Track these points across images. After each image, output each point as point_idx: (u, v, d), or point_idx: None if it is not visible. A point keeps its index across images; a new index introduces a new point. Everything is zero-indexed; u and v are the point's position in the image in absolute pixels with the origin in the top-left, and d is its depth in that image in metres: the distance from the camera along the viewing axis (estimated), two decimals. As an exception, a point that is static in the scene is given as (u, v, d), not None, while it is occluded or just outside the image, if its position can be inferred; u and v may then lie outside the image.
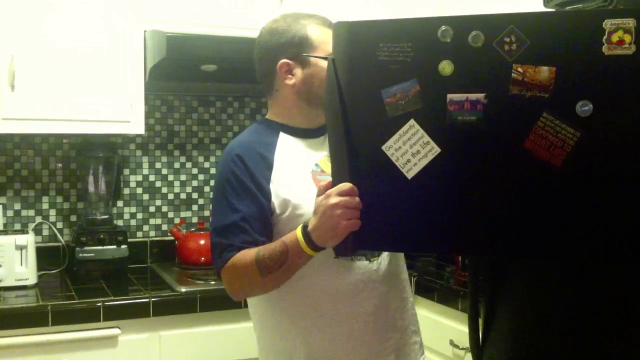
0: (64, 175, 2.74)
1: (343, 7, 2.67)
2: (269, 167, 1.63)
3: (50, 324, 2.11)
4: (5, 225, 2.64)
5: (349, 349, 1.65)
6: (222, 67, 2.48)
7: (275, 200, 1.60)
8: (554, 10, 1.82)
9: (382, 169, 1.51)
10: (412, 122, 1.52)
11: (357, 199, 1.43)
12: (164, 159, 2.89)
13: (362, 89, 1.55)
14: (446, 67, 1.49)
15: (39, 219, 2.70)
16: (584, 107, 1.42)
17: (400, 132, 1.52)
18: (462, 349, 2.28)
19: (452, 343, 2.34)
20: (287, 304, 1.65)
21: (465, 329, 1.96)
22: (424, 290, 2.54)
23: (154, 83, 2.55)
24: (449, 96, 1.48)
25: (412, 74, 1.51)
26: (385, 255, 1.73)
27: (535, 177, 1.47)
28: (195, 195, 2.94)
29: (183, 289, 2.35)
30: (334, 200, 1.41)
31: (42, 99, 2.35)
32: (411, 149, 1.51)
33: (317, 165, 1.70)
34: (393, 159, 1.52)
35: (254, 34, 2.50)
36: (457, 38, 1.48)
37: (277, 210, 1.60)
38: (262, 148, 1.65)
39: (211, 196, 2.90)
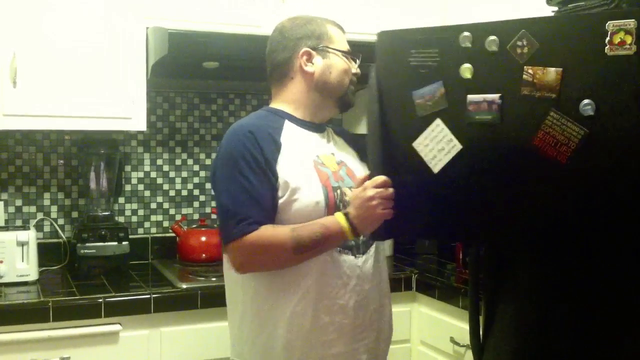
0: (66, 172, 2.75)
1: (344, 5, 2.67)
2: (278, 148, 1.69)
3: (51, 320, 2.11)
4: (6, 221, 2.65)
5: (326, 342, 1.69)
6: (223, 64, 2.48)
7: (280, 182, 1.66)
8: (556, 9, 1.85)
9: (412, 164, 1.63)
10: (438, 121, 1.63)
11: (391, 190, 1.59)
12: (166, 155, 2.89)
13: (397, 91, 1.68)
14: (466, 70, 1.60)
15: (40, 215, 2.71)
16: (587, 107, 1.47)
17: (428, 130, 1.64)
18: (463, 346, 2.28)
19: (452, 340, 2.34)
20: (273, 291, 1.68)
21: (465, 326, 1.97)
22: (425, 287, 2.54)
23: (155, 80, 2.55)
24: (469, 97, 1.59)
25: (438, 77, 1.63)
26: (371, 254, 1.77)
27: (543, 174, 1.53)
28: (196, 192, 2.94)
29: (184, 286, 2.35)
30: (371, 192, 1.58)
31: (43, 96, 2.35)
32: (437, 146, 1.63)
33: (318, 157, 1.76)
34: (422, 154, 1.64)
35: (255, 31, 2.53)
36: (476, 43, 1.59)
37: (279, 193, 1.66)
38: (270, 129, 1.71)
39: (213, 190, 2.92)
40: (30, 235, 2.41)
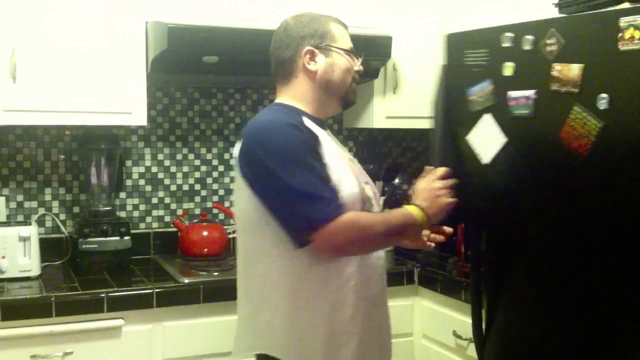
0: (67, 167, 2.74)
1: (344, 3, 2.65)
2: (316, 139, 1.71)
3: (54, 315, 2.12)
4: (8, 216, 2.65)
5: (362, 330, 1.74)
6: (223, 59, 2.47)
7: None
8: (556, 1, 1.87)
9: (466, 156, 1.82)
10: (487, 116, 1.79)
11: (452, 180, 1.78)
12: (166, 150, 2.89)
13: (455, 89, 1.86)
14: (508, 68, 1.73)
15: (41, 211, 2.71)
16: (602, 100, 1.53)
17: (479, 124, 1.81)
18: (465, 339, 2.28)
19: (455, 334, 2.34)
20: (313, 280, 1.70)
21: (468, 319, 1.97)
22: (427, 281, 2.54)
23: (155, 75, 2.54)
24: (509, 93, 1.73)
25: (488, 75, 1.78)
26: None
27: (567, 166, 1.62)
28: (197, 187, 2.94)
29: (186, 280, 2.35)
30: (438, 184, 1.78)
31: (44, 91, 2.35)
32: (486, 139, 1.79)
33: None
34: (473, 147, 1.82)
35: (255, 25, 2.52)
36: (515, 42, 1.72)
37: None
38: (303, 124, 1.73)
39: (215, 183, 2.91)
40: (32, 231, 2.41)
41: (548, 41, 1.62)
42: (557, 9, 1.98)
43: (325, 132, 1.83)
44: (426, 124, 2.91)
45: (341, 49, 1.80)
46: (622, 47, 1.49)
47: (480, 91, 1.78)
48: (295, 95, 1.80)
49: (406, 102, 2.85)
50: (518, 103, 1.70)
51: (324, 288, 1.69)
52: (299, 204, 1.62)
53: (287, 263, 1.68)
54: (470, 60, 1.81)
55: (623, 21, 1.48)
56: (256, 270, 1.74)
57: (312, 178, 1.62)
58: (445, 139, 1.88)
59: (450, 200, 1.76)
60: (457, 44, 1.85)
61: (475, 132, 1.81)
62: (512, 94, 1.71)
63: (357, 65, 1.85)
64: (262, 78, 2.79)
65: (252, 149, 1.68)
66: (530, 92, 1.67)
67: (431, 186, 1.77)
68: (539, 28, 1.65)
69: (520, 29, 1.70)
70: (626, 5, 1.71)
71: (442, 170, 1.80)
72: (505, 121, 1.73)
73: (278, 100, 1.83)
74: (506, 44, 1.72)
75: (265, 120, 1.72)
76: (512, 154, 1.73)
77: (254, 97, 3.00)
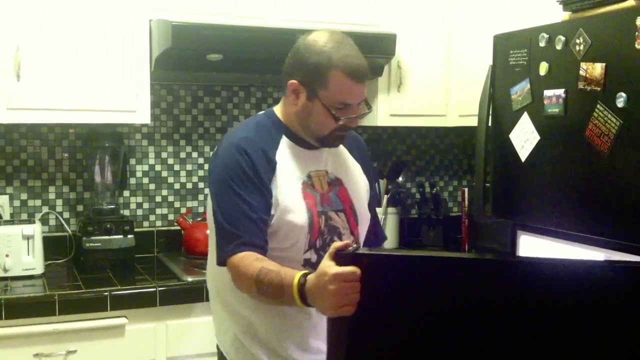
0: (71, 165, 2.74)
1: (347, 2, 2.64)
2: (272, 168, 1.66)
3: (57, 313, 2.12)
4: (12, 215, 2.65)
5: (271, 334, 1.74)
6: (227, 57, 2.47)
7: (273, 200, 1.65)
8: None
9: (508, 153, 1.94)
10: (525, 114, 1.87)
11: (357, 283, 1.31)
12: (170, 148, 2.89)
13: (501, 89, 1.95)
14: (542, 67, 1.81)
15: (45, 209, 2.71)
16: (619, 98, 1.58)
17: (519, 123, 1.89)
18: None
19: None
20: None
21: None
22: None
23: (159, 73, 2.54)
24: (545, 92, 1.80)
25: (526, 75, 1.86)
26: None
27: (591, 164, 1.67)
28: (201, 185, 2.93)
29: (190, 279, 2.35)
30: (334, 286, 1.32)
31: (48, 89, 2.35)
32: (524, 137, 1.88)
33: (309, 176, 1.72)
34: (514, 144, 1.91)
35: (260, 23, 2.51)
36: (549, 43, 1.79)
37: (272, 210, 1.65)
38: (265, 145, 1.68)
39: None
40: (35, 229, 2.41)
41: (577, 41, 1.68)
42: (561, 6, 1.97)
43: (316, 150, 1.74)
44: (430, 122, 2.96)
45: (324, 103, 1.62)
46: (638, 45, 1.51)
47: (520, 90, 1.86)
48: (282, 111, 1.74)
49: (410, 100, 2.83)
50: (551, 102, 1.77)
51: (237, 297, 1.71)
52: (216, 232, 1.66)
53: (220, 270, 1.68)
54: (513, 60, 1.89)
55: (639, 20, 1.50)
56: (209, 269, 1.84)
57: (230, 210, 1.62)
58: (490, 137, 1.97)
59: (341, 309, 1.31)
60: (504, 44, 1.93)
61: (516, 131, 1.89)
62: (547, 92, 1.79)
63: (343, 120, 1.65)
64: (266, 76, 2.78)
65: (213, 157, 1.74)
66: (561, 91, 1.74)
67: (327, 286, 1.32)
68: (569, 28, 1.71)
69: (554, 30, 1.76)
70: (631, 2, 1.70)
71: (351, 273, 1.30)
72: (541, 120, 1.81)
73: (275, 107, 1.78)
74: (542, 44, 1.79)
75: (231, 135, 1.73)
76: (543, 151, 1.81)
77: (258, 94, 3.00)
